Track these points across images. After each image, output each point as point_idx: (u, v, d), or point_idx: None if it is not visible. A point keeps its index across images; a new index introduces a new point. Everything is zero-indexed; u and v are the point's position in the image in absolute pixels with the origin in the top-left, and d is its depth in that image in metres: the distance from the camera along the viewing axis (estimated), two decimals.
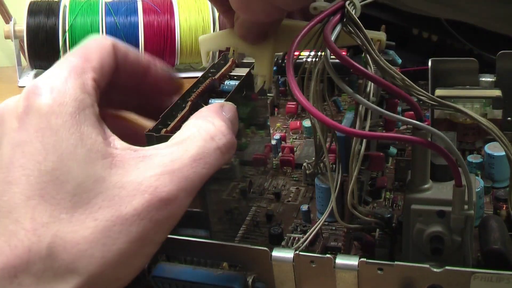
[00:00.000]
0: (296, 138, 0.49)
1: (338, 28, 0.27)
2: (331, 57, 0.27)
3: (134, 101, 0.33)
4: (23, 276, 0.23)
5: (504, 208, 0.37)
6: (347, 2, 0.28)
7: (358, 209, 0.30)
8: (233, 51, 0.34)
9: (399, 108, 0.48)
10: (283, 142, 0.47)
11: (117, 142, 0.26)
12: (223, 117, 0.28)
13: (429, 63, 0.42)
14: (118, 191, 0.24)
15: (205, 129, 0.27)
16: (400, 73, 0.28)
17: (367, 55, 0.28)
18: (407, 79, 0.28)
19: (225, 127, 0.27)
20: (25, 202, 0.23)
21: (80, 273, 0.23)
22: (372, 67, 0.30)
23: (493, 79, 0.42)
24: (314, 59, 0.31)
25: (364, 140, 0.31)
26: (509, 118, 0.42)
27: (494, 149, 0.39)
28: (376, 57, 0.28)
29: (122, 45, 0.30)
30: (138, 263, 0.26)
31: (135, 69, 0.31)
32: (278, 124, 0.52)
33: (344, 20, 0.27)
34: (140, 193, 0.24)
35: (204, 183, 0.26)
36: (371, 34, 0.28)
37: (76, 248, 0.23)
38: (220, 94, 0.35)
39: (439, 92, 0.41)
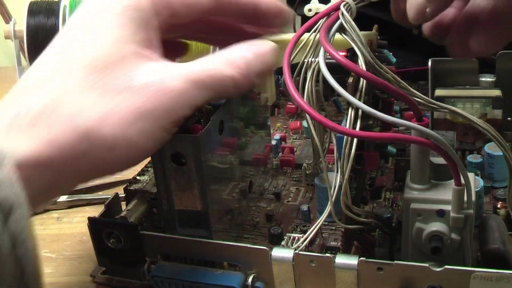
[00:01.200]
0: (296, 138, 0.49)
1: (333, 29, 0.27)
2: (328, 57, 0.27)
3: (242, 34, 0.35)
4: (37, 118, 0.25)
5: (502, 208, 0.37)
6: (343, 4, 0.28)
7: (353, 210, 0.30)
8: None
9: (396, 108, 0.48)
10: (283, 142, 0.47)
11: (151, 50, 0.28)
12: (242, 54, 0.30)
13: (429, 63, 0.42)
14: (135, 67, 0.27)
15: (220, 55, 0.29)
16: (395, 76, 0.28)
17: (362, 57, 0.28)
18: (402, 81, 0.28)
19: (236, 60, 0.29)
20: (54, 74, 0.27)
21: (78, 123, 0.25)
22: (364, 67, 0.30)
23: (493, 79, 0.42)
24: (310, 59, 0.31)
25: (355, 140, 0.31)
26: (509, 118, 0.42)
27: (494, 149, 0.39)
28: (371, 60, 0.28)
29: None
30: (137, 135, 0.27)
31: (242, 8, 0.33)
32: (278, 124, 0.52)
33: (340, 22, 0.27)
34: (153, 75, 0.27)
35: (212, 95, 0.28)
36: (362, 34, 0.28)
37: (79, 103, 0.26)
38: None
39: (439, 92, 0.41)
